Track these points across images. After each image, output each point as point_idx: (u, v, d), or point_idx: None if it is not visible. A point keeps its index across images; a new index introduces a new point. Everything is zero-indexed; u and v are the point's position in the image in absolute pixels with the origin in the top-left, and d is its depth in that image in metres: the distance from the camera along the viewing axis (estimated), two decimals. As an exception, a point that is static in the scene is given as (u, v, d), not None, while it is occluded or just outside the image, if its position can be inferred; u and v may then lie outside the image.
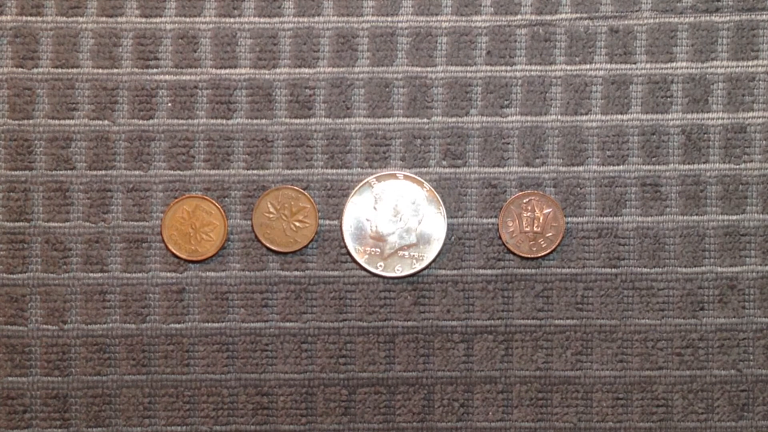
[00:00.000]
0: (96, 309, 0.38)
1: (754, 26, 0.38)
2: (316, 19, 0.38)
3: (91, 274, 0.38)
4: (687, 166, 0.38)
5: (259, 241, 0.38)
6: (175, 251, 0.38)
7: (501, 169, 0.38)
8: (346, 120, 0.39)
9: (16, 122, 0.38)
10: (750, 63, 0.38)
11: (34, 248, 0.38)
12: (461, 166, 0.38)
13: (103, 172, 0.38)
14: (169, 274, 0.38)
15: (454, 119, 0.38)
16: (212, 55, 0.38)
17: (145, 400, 0.38)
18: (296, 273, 0.38)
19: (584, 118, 0.38)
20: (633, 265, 0.38)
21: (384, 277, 0.38)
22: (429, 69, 0.38)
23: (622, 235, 0.38)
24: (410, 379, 0.38)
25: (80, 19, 0.38)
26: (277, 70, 0.38)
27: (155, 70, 0.38)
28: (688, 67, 0.38)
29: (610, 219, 0.38)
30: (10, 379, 0.38)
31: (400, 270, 0.38)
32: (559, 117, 0.38)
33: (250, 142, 0.38)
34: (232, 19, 0.38)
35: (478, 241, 0.38)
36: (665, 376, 0.38)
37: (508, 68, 0.38)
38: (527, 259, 0.38)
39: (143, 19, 0.38)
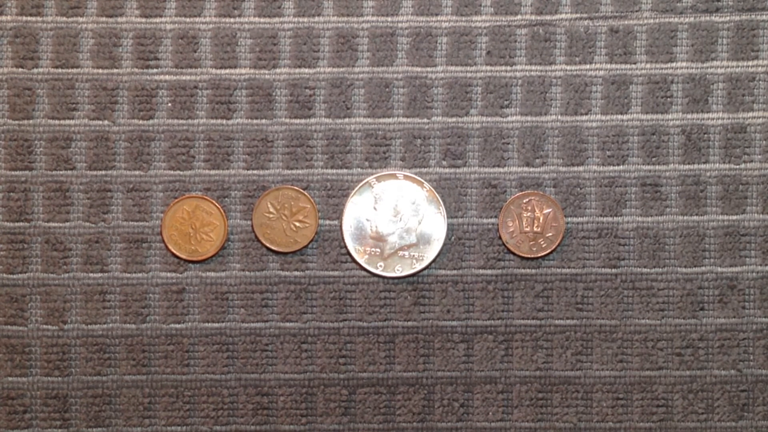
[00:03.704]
0: (96, 309, 0.38)
1: (754, 26, 0.38)
2: (316, 19, 0.38)
3: (91, 274, 0.38)
4: (687, 166, 0.38)
5: (259, 241, 0.38)
6: (175, 251, 0.38)
7: (501, 169, 0.38)
8: (346, 120, 0.39)
9: (16, 122, 0.38)
10: (750, 63, 0.38)
11: (34, 248, 0.38)
12: (461, 166, 0.38)
13: (103, 172, 0.38)
14: (169, 274, 0.38)
15: (454, 119, 0.38)
16: (212, 55, 0.38)
17: (145, 400, 0.38)
18: (296, 273, 0.38)
19: (584, 118, 0.38)
20: (633, 265, 0.38)
21: (384, 277, 0.38)
22: (429, 69, 0.38)
23: (622, 235, 0.38)
24: (410, 379, 0.38)
25: (80, 19, 0.38)
26: (277, 70, 0.38)
27: (155, 70, 0.38)
28: (688, 67, 0.38)
29: (610, 219, 0.38)
30: (10, 379, 0.38)
31: (400, 270, 0.38)
32: (559, 117, 0.38)
33: (250, 142, 0.38)
34: (232, 19, 0.38)
35: (478, 241, 0.38)
36: (665, 376, 0.38)
37: (508, 68, 0.38)
38: (527, 259, 0.38)
39: (143, 19, 0.38)
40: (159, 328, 0.38)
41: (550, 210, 0.38)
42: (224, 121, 0.38)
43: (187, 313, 0.38)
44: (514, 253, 0.38)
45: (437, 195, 0.38)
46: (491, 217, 0.38)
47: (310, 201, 0.38)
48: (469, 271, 0.38)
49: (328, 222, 0.38)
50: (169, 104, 0.38)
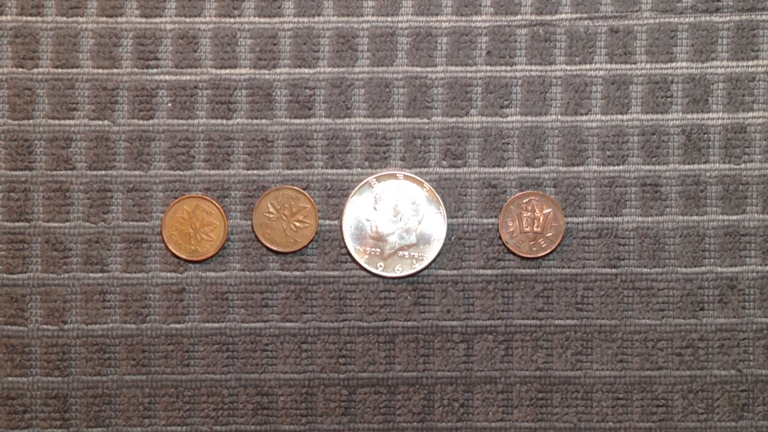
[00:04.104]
0: (96, 309, 0.38)
1: (754, 26, 0.38)
2: (316, 19, 0.38)
3: (91, 274, 0.38)
4: (687, 166, 0.38)
5: (259, 241, 0.38)
6: (175, 251, 0.38)
7: (501, 169, 0.38)
8: (346, 120, 0.39)
9: (16, 122, 0.38)
10: (750, 63, 0.38)
11: (34, 248, 0.38)
12: (461, 166, 0.38)
13: (103, 172, 0.38)
14: (169, 274, 0.38)
15: (454, 119, 0.38)
16: (212, 55, 0.38)
17: (145, 400, 0.38)
18: (296, 273, 0.38)
19: (584, 118, 0.38)
20: (633, 265, 0.38)
21: (384, 277, 0.38)
22: (429, 69, 0.38)
23: (622, 235, 0.38)
24: (410, 379, 0.38)
25: (80, 19, 0.38)
26: (277, 70, 0.38)
27: (155, 70, 0.38)
28: (688, 67, 0.38)
29: (610, 219, 0.38)
30: (10, 379, 0.38)
31: (400, 270, 0.38)
32: (559, 117, 0.38)
33: (250, 142, 0.38)
34: (232, 19, 0.38)
35: (478, 241, 0.38)
36: (665, 376, 0.38)
37: (508, 68, 0.38)
38: (527, 259, 0.38)
39: (143, 19, 0.38)
40: (159, 328, 0.38)
41: (550, 210, 0.38)
42: (224, 121, 0.38)
43: (187, 313, 0.38)
44: (514, 253, 0.38)
45: (437, 195, 0.38)
46: (491, 217, 0.38)
47: (310, 201, 0.38)
48: (469, 271, 0.38)
49: (328, 222, 0.38)
50: (169, 104, 0.38)
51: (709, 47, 0.38)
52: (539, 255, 0.38)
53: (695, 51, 0.38)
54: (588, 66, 0.38)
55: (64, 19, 0.38)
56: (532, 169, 0.38)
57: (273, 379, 0.38)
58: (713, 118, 0.38)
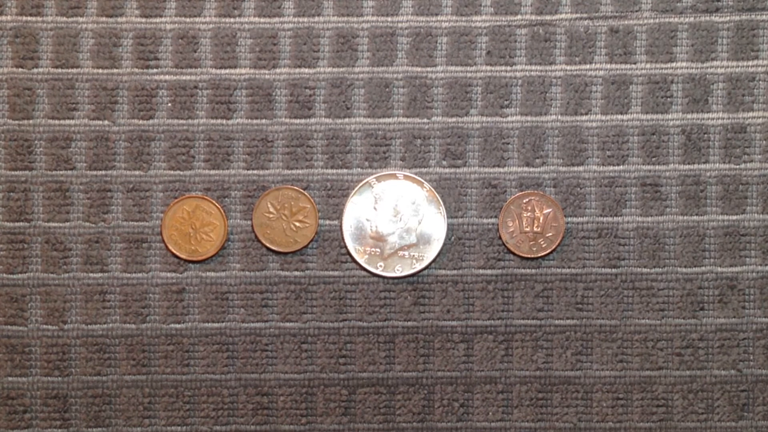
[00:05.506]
0: (96, 309, 0.38)
1: (754, 26, 0.38)
2: (316, 19, 0.38)
3: (91, 274, 0.38)
4: (687, 166, 0.38)
5: (259, 241, 0.38)
6: (175, 251, 0.38)
7: (501, 169, 0.38)
8: (346, 120, 0.39)
9: (16, 122, 0.38)
10: (750, 63, 0.38)
11: (34, 248, 0.38)
12: (461, 166, 0.38)
13: (103, 172, 0.38)
14: (169, 274, 0.38)
15: (454, 119, 0.38)
16: (212, 55, 0.38)
17: (145, 400, 0.38)
18: (296, 273, 0.38)
19: (584, 118, 0.38)
20: (633, 265, 0.38)
21: (384, 277, 0.38)
22: (429, 69, 0.38)
23: (622, 235, 0.38)
24: (410, 379, 0.38)
25: (80, 19, 0.38)
26: (277, 70, 0.38)
27: (155, 70, 0.38)
28: (688, 67, 0.38)
29: (610, 219, 0.38)
30: (10, 379, 0.38)
31: (400, 270, 0.38)
32: (559, 117, 0.38)
33: (250, 142, 0.38)
34: (232, 19, 0.38)
35: (478, 241, 0.38)
36: (665, 376, 0.38)
37: (508, 68, 0.38)
38: (527, 259, 0.38)
39: (143, 19, 0.38)
40: (159, 328, 0.38)
41: (550, 210, 0.38)
42: (224, 121, 0.38)
43: (187, 313, 0.38)
44: (514, 253, 0.38)
45: (437, 195, 0.38)
46: (491, 217, 0.38)
47: (310, 201, 0.38)
48: (469, 271, 0.38)
49: (328, 222, 0.38)
50: (169, 104, 0.38)
51: (709, 47, 0.38)
52: (539, 255, 0.38)
53: (695, 51, 0.38)
54: (588, 66, 0.38)
55: (64, 19, 0.38)
56: (532, 169, 0.38)
57: (273, 379, 0.38)
58: (713, 118, 0.38)
